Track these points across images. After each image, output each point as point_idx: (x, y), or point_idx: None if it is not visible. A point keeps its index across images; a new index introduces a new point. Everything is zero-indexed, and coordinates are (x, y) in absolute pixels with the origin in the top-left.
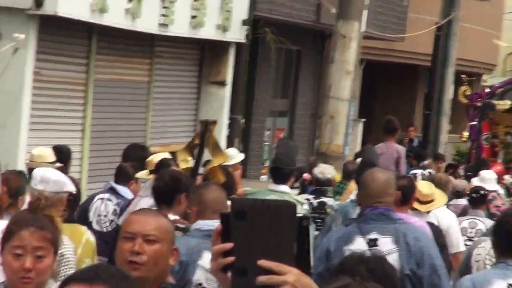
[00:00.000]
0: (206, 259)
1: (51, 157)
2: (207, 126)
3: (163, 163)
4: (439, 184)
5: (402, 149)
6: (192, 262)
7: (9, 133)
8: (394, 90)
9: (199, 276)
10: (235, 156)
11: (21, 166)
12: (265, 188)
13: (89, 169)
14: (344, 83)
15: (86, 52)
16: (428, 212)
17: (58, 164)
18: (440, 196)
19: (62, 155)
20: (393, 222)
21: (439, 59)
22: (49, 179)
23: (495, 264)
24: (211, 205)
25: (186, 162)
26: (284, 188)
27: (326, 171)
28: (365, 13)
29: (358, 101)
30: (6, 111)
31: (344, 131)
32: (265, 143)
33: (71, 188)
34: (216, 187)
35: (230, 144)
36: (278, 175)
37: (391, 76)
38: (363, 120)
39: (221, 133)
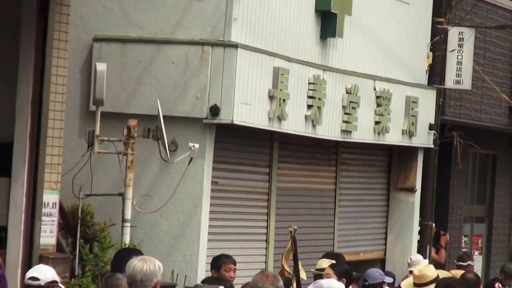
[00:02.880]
0: None
1: None
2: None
3: None
4: None
5: None
6: None
7: (187, 244)
8: None
9: None
10: (419, 261)
11: (200, 276)
12: None
13: None
14: None
15: (267, 160)
16: None
17: None
18: None
19: None
20: None
21: None
22: None
23: None
24: None
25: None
26: None
27: None
28: None
29: None
30: (184, 221)
31: None
32: (463, 250)
33: None
34: None
35: (421, 251)
36: None
37: None
38: None
39: (412, 240)
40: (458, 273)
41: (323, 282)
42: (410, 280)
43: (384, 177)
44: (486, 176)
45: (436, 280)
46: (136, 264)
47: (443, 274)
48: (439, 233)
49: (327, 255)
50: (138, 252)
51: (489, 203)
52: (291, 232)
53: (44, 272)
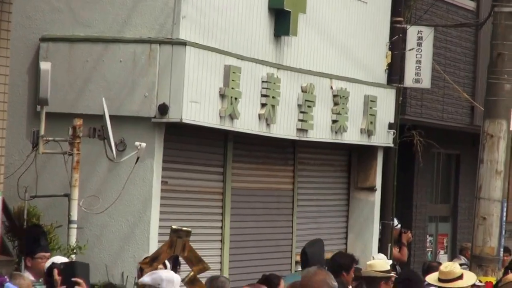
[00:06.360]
0: None
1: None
2: (179, 236)
3: None
4: None
5: None
6: None
7: (137, 245)
8: None
9: None
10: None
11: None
12: None
13: (231, 280)
14: (495, 183)
15: (221, 160)
16: None
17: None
18: None
19: None
20: None
21: None
22: None
23: None
24: None
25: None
26: None
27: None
28: None
29: None
30: (133, 222)
31: (498, 232)
32: (428, 249)
33: None
34: None
35: (382, 250)
36: None
37: None
38: None
39: (373, 239)
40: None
41: (162, 273)
42: (435, 275)
43: (343, 177)
44: (450, 175)
45: (462, 277)
46: None
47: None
48: (401, 232)
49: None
50: None
51: (453, 202)
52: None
53: None
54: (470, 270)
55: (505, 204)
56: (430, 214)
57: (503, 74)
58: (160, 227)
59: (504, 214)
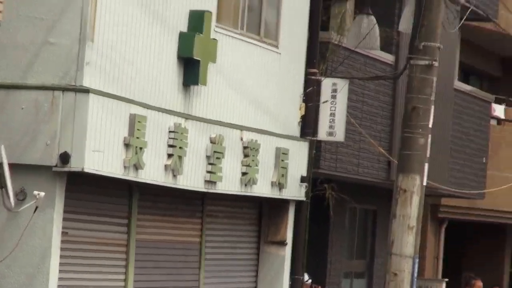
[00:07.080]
0: None
1: None
2: None
3: None
4: None
5: None
6: None
7: None
8: (480, 249)
9: None
10: None
11: None
12: None
13: None
14: (407, 239)
15: (125, 211)
16: None
17: None
18: None
19: None
20: None
21: None
22: None
23: None
24: None
25: None
26: None
27: None
28: (426, 166)
29: (441, 260)
30: (32, 274)
31: None
32: None
33: None
34: None
35: None
36: None
37: (476, 235)
38: (446, 280)
39: None
40: None
41: None
42: None
43: (254, 230)
44: (367, 231)
45: None
46: None
47: None
48: (312, 287)
49: None
50: None
51: (369, 258)
52: None
53: None
54: None
55: (417, 260)
56: (346, 270)
57: (417, 128)
58: (59, 279)
59: (416, 270)
